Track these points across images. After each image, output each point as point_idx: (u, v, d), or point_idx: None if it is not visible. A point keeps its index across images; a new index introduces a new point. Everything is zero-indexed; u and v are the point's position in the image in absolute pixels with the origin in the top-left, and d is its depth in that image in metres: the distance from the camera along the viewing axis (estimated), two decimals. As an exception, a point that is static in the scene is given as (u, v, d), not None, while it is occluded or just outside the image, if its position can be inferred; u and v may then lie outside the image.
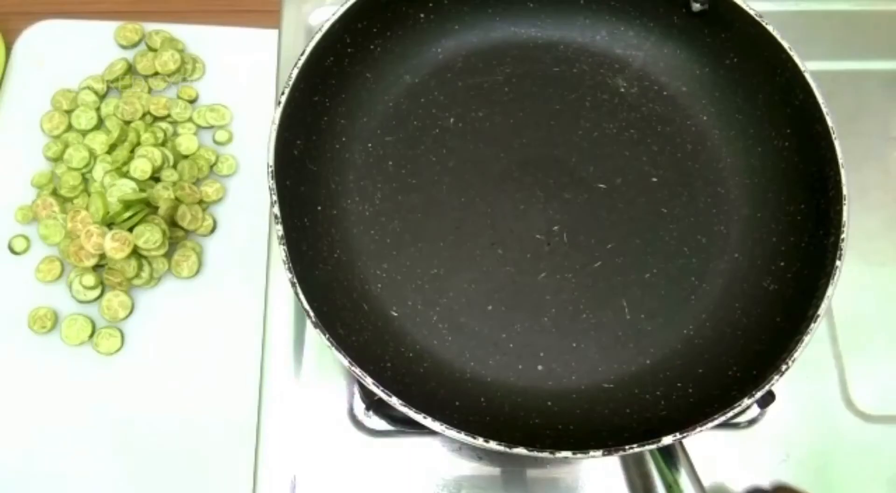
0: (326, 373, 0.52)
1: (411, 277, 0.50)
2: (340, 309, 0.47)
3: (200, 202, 0.61)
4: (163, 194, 0.59)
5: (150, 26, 0.67)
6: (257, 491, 0.50)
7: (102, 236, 0.56)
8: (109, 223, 0.57)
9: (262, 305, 0.55)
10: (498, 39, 0.56)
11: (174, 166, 0.62)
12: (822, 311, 0.43)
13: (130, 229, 0.57)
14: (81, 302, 0.58)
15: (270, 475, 0.50)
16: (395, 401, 0.41)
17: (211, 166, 0.63)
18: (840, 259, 0.44)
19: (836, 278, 0.43)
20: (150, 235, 0.57)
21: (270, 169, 0.45)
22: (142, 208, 0.58)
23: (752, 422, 0.52)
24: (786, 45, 0.49)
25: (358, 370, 0.41)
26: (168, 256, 0.59)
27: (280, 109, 0.46)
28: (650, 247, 0.51)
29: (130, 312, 0.58)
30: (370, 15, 0.51)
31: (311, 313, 0.42)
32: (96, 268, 0.58)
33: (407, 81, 0.55)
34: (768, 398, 0.46)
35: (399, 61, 0.54)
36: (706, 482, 0.50)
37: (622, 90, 0.55)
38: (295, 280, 0.42)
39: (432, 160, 0.53)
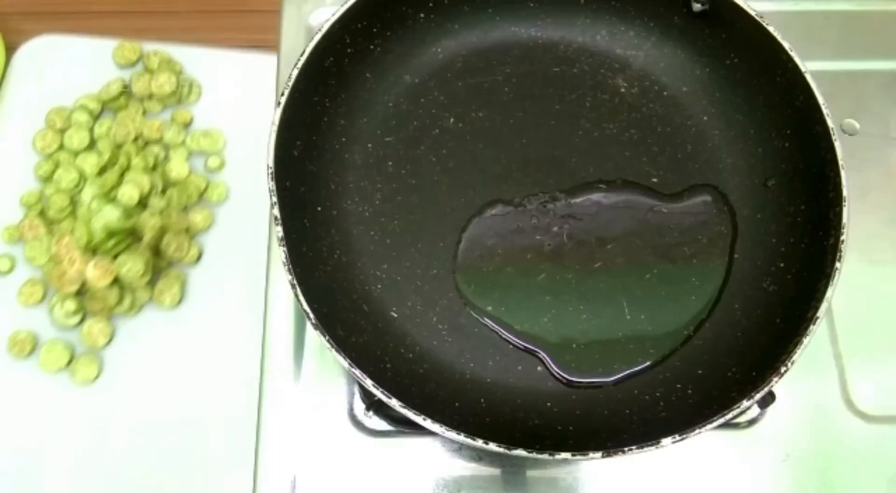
0: (326, 374, 0.52)
1: (411, 277, 0.50)
2: (340, 310, 0.47)
3: (187, 230, 0.59)
4: (149, 222, 0.57)
5: (148, 46, 0.65)
6: (257, 491, 0.50)
7: (85, 264, 0.55)
8: (93, 250, 0.56)
9: (248, 336, 0.54)
10: (498, 39, 0.55)
11: (162, 192, 0.60)
12: (821, 313, 0.43)
13: (114, 257, 0.56)
14: (62, 327, 0.57)
15: (270, 476, 0.50)
16: (394, 402, 0.41)
17: (201, 194, 0.61)
18: (840, 261, 0.44)
19: (835, 279, 0.43)
20: (132, 265, 0.55)
21: (270, 170, 0.45)
22: (125, 237, 0.56)
23: (752, 422, 0.52)
24: (786, 45, 0.49)
25: (358, 372, 0.41)
26: (152, 283, 0.57)
27: (280, 110, 0.46)
28: (650, 247, 0.51)
29: (110, 339, 0.57)
30: (370, 15, 0.51)
31: (311, 315, 0.42)
32: (78, 293, 0.57)
33: (407, 81, 0.54)
34: (768, 399, 0.46)
35: (399, 61, 0.54)
36: (707, 483, 0.50)
37: (622, 90, 0.55)
38: (295, 282, 0.42)
39: (432, 160, 0.53)
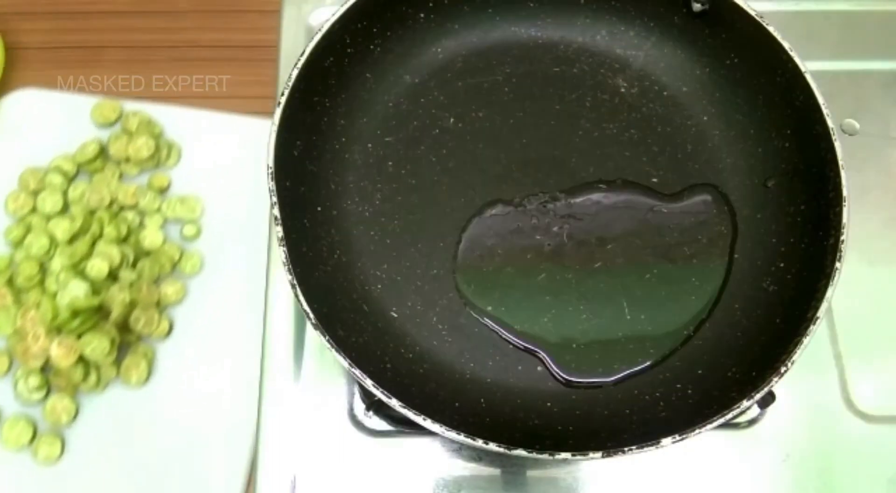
0: (326, 374, 0.52)
1: (411, 277, 0.50)
2: (340, 310, 0.47)
3: (158, 303, 0.57)
4: (117, 297, 0.55)
5: (129, 105, 0.63)
6: (257, 491, 0.50)
7: (49, 341, 0.53)
8: (58, 328, 0.54)
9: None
10: (498, 39, 0.56)
11: (134, 265, 0.58)
12: (821, 313, 0.43)
13: (80, 336, 0.54)
14: (26, 402, 0.55)
15: (270, 475, 0.50)
16: (394, 402, 0.41)
17: (174, 264, 0.59)
18: (840, 261, 0.44)
19: (835, 279, 0.43)
20: (97, 344, 0.53)
21: (270, 170, 0.45)
22: (91, 315, 0.54)
23: (752, 422, 0.52)
24: (786, 45, 0.49)
25: (358, 372, 0.41)
26: (118, 360, 0.55)
27: (280, 110, 0.46)
28: (650, 247, 0.51)
29: (74, 417, 0.55)
30: (370, 15, 0.51)
31: (311, 315, 0.42)
32: (44, 368, 0.55)
33: (407, 81, 0.55)
34: (768, 399, 0.46)
35: (399, 61, 0.54)
36: (707, 483, 0.50)
37: (622, 90, 0.55)
38: (295, 282, 0.43)
39: (432, 160, 0.53)
